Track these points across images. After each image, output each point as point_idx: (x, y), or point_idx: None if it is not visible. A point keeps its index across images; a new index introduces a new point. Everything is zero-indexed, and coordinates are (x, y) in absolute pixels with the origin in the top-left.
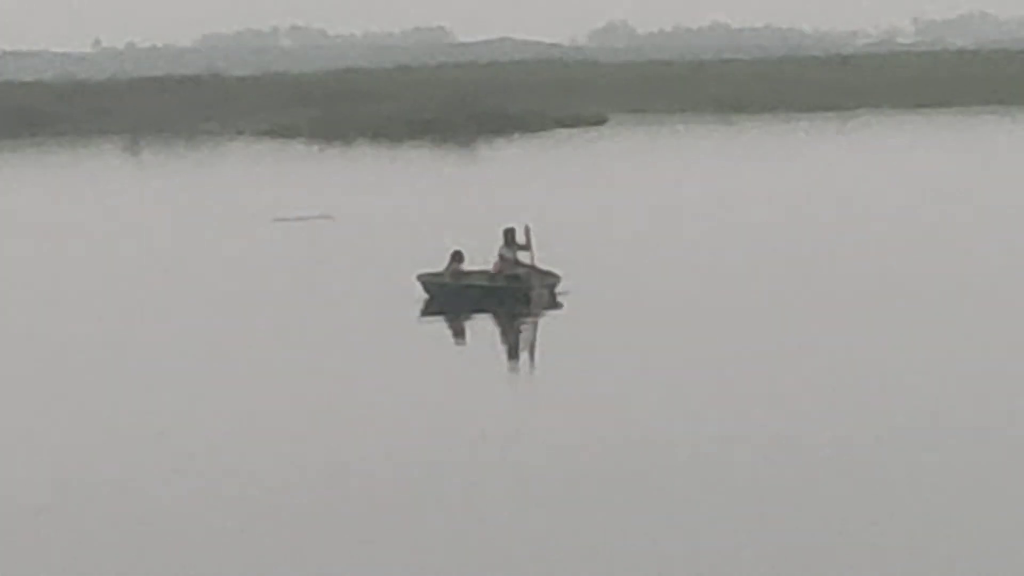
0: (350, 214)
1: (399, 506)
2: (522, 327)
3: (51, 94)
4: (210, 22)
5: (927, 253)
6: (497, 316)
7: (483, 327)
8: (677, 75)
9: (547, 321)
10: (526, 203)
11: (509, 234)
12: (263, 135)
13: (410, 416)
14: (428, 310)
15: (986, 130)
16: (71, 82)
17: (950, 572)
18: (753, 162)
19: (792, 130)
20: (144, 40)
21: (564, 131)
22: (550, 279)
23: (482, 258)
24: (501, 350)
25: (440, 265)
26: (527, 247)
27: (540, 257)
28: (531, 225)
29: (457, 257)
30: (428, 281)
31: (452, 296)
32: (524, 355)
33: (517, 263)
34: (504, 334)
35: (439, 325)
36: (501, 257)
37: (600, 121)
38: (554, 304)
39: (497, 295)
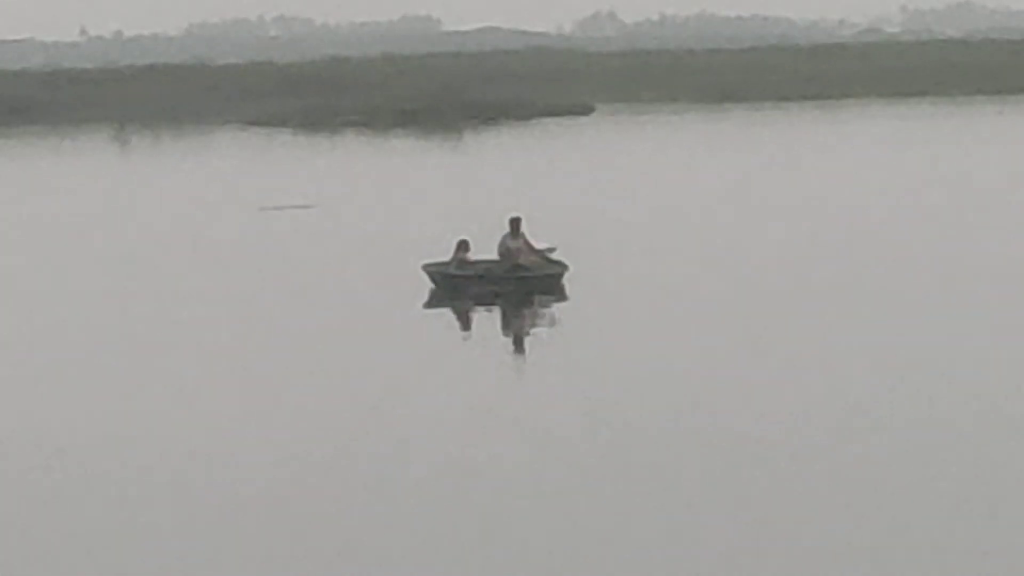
0: (336, 203)
1: (403, 496)
2: (528, 317)
3: (37, 83)
4: (197, 11)
5: (917, 241)
6: (503, 306)
7: (489, 317)
8: (664, 64)
9: (553, 311)
10: (513, 192)
11: (515, 223)
12: (250, 124)
13: (416, 406)
14: (433, 301)
15: (974, 119)
16: (58, 71)
17: (950, 570)
18: (740, 151)
19: (779, 119)
20: (131, 29)
21: (551, 120)
22: (559, 268)
23: (476, 247)
24: (507, 340)
25: (435, 253)
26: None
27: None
28: (521, 216)
29: (463, 246)
30: (434, 271)
31: (459, 285)
32: (530, 345)
33: (532, 250)
34: (510, 324)
35: (447, 315)
36: (507, 247)
37: (587, 110)
38: (562, 294)
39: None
